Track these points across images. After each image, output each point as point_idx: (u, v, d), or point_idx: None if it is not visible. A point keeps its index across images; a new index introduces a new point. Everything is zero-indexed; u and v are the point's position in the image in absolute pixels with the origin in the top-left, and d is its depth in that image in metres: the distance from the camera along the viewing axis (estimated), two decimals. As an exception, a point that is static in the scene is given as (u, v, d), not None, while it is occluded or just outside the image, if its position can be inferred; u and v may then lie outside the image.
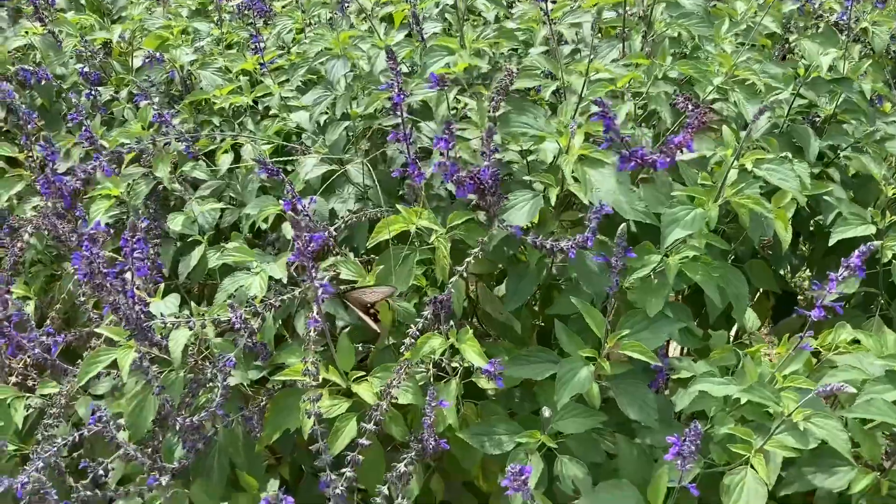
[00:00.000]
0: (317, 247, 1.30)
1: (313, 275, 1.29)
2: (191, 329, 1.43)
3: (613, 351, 1.51)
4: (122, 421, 1.50)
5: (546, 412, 1.41)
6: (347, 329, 1.68)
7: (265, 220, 1.83)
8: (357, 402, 1.51)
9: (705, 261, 1.54)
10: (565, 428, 1.47)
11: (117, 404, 1.67)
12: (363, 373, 1.52)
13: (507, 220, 1.50)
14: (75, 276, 1.97)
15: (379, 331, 1.52)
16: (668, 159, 1.45)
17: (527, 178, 1.56)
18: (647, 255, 1.54)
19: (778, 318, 2.17)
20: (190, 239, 1.89)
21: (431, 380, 1.57)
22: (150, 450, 1.51)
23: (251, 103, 2.08)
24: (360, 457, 1.35)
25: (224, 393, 1.37)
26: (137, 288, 1.33)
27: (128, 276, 1.32)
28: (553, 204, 1.50)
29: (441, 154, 1.46)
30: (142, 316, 1.36)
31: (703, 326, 1.80)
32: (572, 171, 1.46)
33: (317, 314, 1.38)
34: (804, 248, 2.18)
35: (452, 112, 1.68)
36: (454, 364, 1.53)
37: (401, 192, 1.93)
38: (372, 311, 1.49)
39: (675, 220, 1.49)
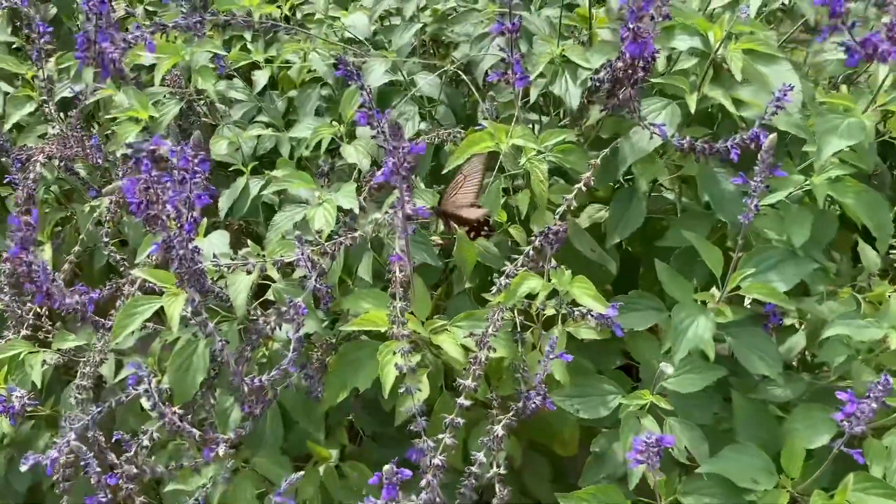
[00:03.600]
0: (407, 166, 1.06)
1: (405, 198, 1.05)
2: (249, 273, 1.20)
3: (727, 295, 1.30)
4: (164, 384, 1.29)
5: (668, 369, 1.19)
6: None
7: (316, 147, 1.59)
8: (427, 355, 1.30)
9: (850, 183, 1.32)
10: (680, 386, 1.26)
11: (151, 361, 1.46)
12: (443, 321, 1.30)
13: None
14: (93, 216, 1.75)
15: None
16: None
17: (653, 80, 1.32)
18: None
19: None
20: (232, 168, 1.65)
21: (519, 328, 1.35)
22: (201, 416, 1.30)
23: (287, 13, 1.83)
24: (461, 420, 1.14)
25: (297, 346, 1.15)
26: (195, 221, 1.10)
27: (182, 207, 1.08)
28: (693, 111, 1.27)
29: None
30: (196, 256, 1.13)
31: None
32: (739, 67, 1.23)
33: (401, 249, 1.15)
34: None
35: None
36: (549, 310, 1.32)
37: (469, 114, 1.69)
38: (484, 231, 1.28)
39: (832, 129, 1.25)
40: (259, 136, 1.71)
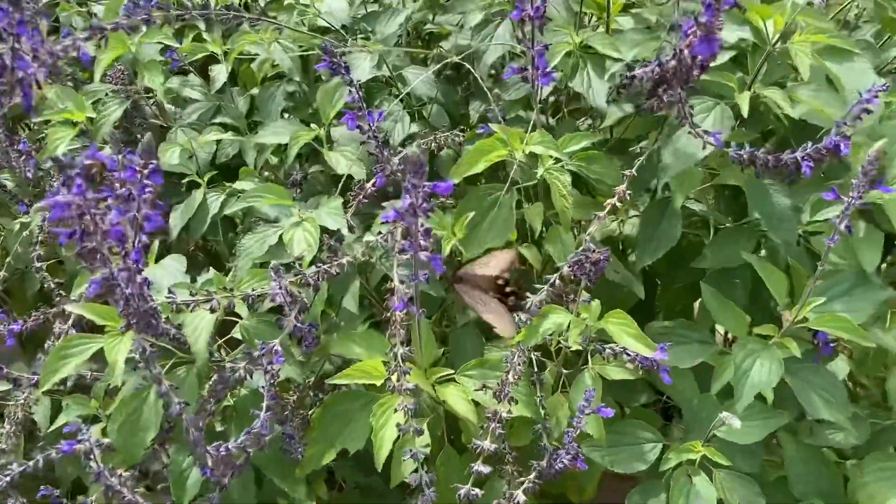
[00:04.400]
0: (427, 207, 0.84)
1: (419, 239, 0.83)
2: (213, 311, 0.96)
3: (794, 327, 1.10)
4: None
5: (734, 421, 0.98)
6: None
7: (282, 152, 1.36)
8: (428, 401, 1.08)
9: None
10: (739, 436, 1.06)
11: (94, 404, 1.22)
12: (449, 371, 1.08)
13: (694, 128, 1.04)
14: (23, 234, 1.50)
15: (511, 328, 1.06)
16: None
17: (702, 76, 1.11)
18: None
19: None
20: (185, 180, 1.41)
21: (535, 368, 1.14)
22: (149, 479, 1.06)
23: (249, 1, 1.59)
24: (486, 468, 0.92)
25: (272, 403, 0.91)
26: (145, 247, 0.85)
27: (129, 230, 0.83)
28: (746, 114, 1.06)
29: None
30: (146, 293, 0.89)
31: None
32: (806, 66, 1.02)
33: (404, 296, 0.92)
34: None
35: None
36: (573, 344, 1.10)
37: (463, 113, 1.47)
38: (507, 290, 1.03)
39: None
40: (218, 142, 1.47)
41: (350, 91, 0.96)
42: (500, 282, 0.97)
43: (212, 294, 0.97)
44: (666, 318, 1.50)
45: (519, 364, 1.01)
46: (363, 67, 1.21)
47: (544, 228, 1.22)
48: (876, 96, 0.97)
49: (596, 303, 1.07)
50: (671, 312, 1.48)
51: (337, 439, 1.07)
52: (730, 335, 1.33)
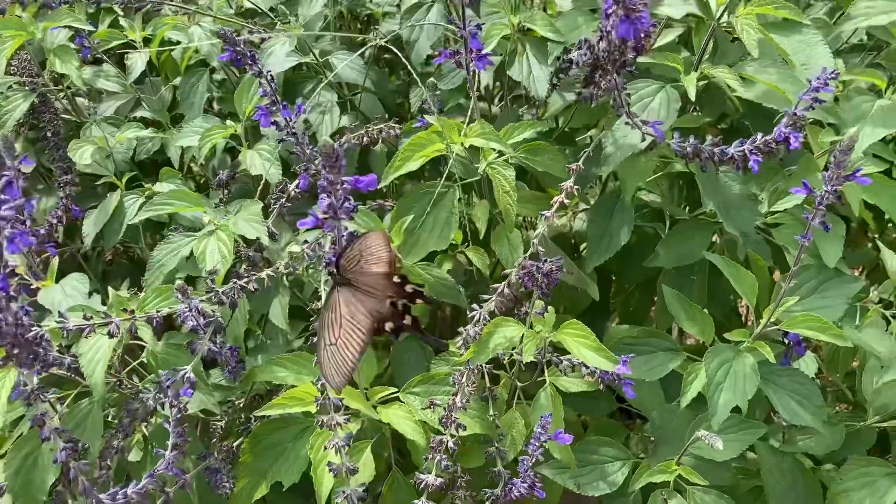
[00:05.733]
0: (349, 207, 0.72)
1: (349, 242, 0.72)
2: (112, 335, 0.84)
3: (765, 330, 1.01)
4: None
5: (716, 442, 0.88)
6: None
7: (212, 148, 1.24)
8: (371, 420, 0.98)
9: (886, 183, 1.04)
10: (716, 452, 0.96)
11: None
12: (391, 390, 0.97)
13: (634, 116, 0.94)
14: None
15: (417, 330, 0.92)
16: None
17: (643, 59, 1.00)
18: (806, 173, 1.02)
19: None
20: (101, 182, 1.27)
21: (488, 383, 1.04)
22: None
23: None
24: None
25: (179, 442, 0.80)
26: (10, 272, 0.73)
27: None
28: (693, 97, 0.95)
29: None
30: (24, 320, 0.76)
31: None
32: (753, 39, 0.92)
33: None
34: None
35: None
36: (526, 355, 1.00)
37: (399, 102, 1.35)
38: (409, 289, 0.86)
39: (861, 116, 0.98)
40: (139, 138, 1.34)
41: (262, 83, 0.84)
42: (397, 279, 0.81)
43: (109, 317, 0.84)
44: (621, 318, 1.41)
45: (468, 385, 0.91)
46: (279, 55, 1.08)
47: (492, 226, 1.12)
48: (826, 83, 0.87)
49: (551, 312, 0.97)
50: (626, 312, 1.39)
51: (269, 472, 0.96)
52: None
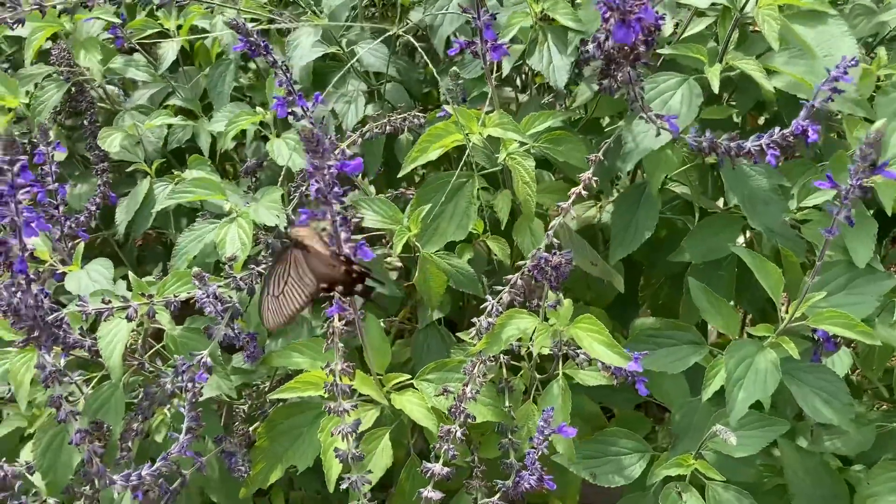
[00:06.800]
0: (339, 192, 0.72)
1: (340, 232, 0.72)
2: (130, 319, 0.86)
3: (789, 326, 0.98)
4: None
5: (730, 437, 0.87)
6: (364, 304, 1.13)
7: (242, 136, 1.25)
8: (392, 408, 0.98)
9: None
10: (735, 448, 0.94)
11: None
12: (405, 376, 0.98)
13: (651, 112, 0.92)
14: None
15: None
16: None
17: (661, 51, 0.98)
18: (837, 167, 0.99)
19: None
20: (131, 168, 1.30)
21: (504, 374, 1.03)
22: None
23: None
24: (437, 494, 0.82)
25: (193, 426, 0.81)
26: (29, 255, 0.74)
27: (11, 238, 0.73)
28: (716, 89, 0.93)
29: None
30: (44, 303, 0.78)
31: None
32: (774, 31, 0.89)
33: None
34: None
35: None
36: (543, 348, 0.99)
37: (427, 91, 1.35)
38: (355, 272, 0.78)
39: (899, 110, 0.94)
40: (170, 126, 1.36)
41: (277, 74, 0.85)
42: (342, 260, 0.76)
43: (129, 301, 0.86)
44: (651, 311, 1.39)
45: (479, 375, 0.91)
46: (304, 46, 1.08)
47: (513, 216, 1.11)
48: (846, 72, 0.84)
49: (567, 304, 0.96)
50: (656, 305, 1.37)
51: (285, 456, 0.98)
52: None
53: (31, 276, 0.74)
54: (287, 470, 1.00)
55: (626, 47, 0.82)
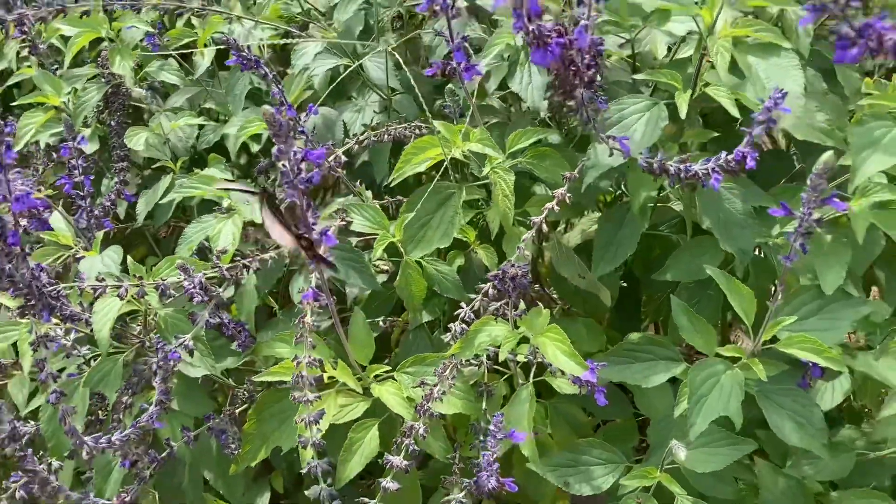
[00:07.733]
0: (315, 177, 0.77)
1: (308, 219, 0.78)
2: (121, 297, 0.93)
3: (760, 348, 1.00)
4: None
5: (680, 452, 0.90)
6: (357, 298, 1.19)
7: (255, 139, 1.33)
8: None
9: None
10: (698, 463, 0.96)
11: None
12: (386, 367, 1.02)
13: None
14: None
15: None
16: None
17: (637, 76, 1.02)
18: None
19: None
20: (158, 164, 1.39)
21: (485, 377, 1.07)
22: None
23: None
24: (395, 484, 0.86)
25: (163, 399, 0.87)
26: (24, 230, 0.82)
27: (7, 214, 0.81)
28: (684, 115, 0.96)
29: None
30: (42, 276, 0.86)
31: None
32: (725, 62, 0.92)
33: (316, 284, 0.87)
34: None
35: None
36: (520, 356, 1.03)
37: (439, 102, 1.40)
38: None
39: (872, 143, 0.95)
40: (202, 128, 1.44)
41: (274, 90, 0.91)
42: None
43: (121, 281, 0.93)
44: (654, 326, 1.41)
45: (450, 376, 0.95)
46: (307, 55, 1.15)
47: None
48: (777, 104, 0.86)
49: (545, 314, 0.99)
50: (657, 320, 1.38)
51: (272, 437, 1.03)
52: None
53: (27, 251, 0.82)
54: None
55: (571, 70, 0.85)
